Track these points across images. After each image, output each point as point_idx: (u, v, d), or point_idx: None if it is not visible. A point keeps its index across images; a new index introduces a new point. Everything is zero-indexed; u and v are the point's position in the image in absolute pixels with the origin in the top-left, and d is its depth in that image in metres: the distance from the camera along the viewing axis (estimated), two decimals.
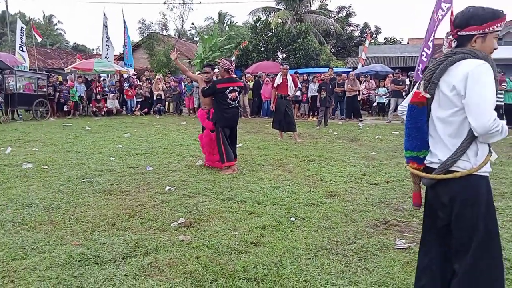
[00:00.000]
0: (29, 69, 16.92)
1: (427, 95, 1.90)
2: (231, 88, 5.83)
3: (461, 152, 1.82)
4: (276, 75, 16.85)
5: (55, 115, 14.14)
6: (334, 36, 33.68)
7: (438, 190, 1.93)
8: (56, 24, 56.59)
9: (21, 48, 18.31)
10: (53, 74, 16.33)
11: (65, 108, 14.59)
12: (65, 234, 3.40)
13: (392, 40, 38.48)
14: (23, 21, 23.21)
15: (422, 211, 2.18)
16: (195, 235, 3.41)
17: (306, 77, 15.14)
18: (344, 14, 36.76)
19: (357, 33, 37.94)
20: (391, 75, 14.98)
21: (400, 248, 3.14)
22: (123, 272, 2.75)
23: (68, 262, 2.86)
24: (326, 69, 15.44)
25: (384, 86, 15.16)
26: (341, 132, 10.44)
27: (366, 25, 37.91)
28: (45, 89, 13.80)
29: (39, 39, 25.39)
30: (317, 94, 12.70)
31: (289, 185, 5.04)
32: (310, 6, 29.73)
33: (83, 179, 5.23)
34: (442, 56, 1.93)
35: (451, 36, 1.96)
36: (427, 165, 1.97)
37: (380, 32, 41.11)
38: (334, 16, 35.47)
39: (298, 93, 14.56)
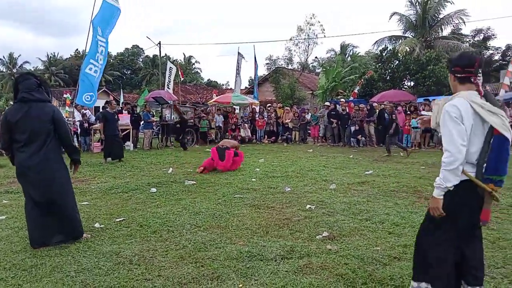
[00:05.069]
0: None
1: None
2: None
3: None
4: (404, 103, 16.13)
5: (198, 143, 16.16)
6: None
7: None
8: (194, 64, 64.58)
9: (168, 86, 21.63)
10: (198, 107, 18.81)
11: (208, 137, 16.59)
12: (231, 236, 4.15)
13: None
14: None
15: None
16: (340, 246, 3.82)
17: None
18: (481, 38, 33.85)
19: (497, 57, 34.43)
20: None
21: None
22: (284, 268, 3.30)
23: (240, 257, 3.54)
24: None
25: None
26: None
27: (509, 47, 34.22)
28: (192, 120, 15.97)
29: (182, 78, 29.59)
30: None
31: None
32: (441, 31, 28.18)
33: (235, 195, 6.11)
34: None
35: None
36: None
37: None
38: (469, 40, 32.90)
39: None
